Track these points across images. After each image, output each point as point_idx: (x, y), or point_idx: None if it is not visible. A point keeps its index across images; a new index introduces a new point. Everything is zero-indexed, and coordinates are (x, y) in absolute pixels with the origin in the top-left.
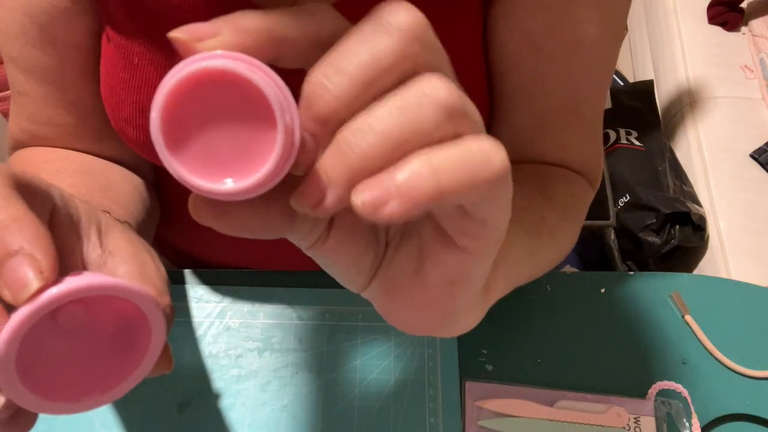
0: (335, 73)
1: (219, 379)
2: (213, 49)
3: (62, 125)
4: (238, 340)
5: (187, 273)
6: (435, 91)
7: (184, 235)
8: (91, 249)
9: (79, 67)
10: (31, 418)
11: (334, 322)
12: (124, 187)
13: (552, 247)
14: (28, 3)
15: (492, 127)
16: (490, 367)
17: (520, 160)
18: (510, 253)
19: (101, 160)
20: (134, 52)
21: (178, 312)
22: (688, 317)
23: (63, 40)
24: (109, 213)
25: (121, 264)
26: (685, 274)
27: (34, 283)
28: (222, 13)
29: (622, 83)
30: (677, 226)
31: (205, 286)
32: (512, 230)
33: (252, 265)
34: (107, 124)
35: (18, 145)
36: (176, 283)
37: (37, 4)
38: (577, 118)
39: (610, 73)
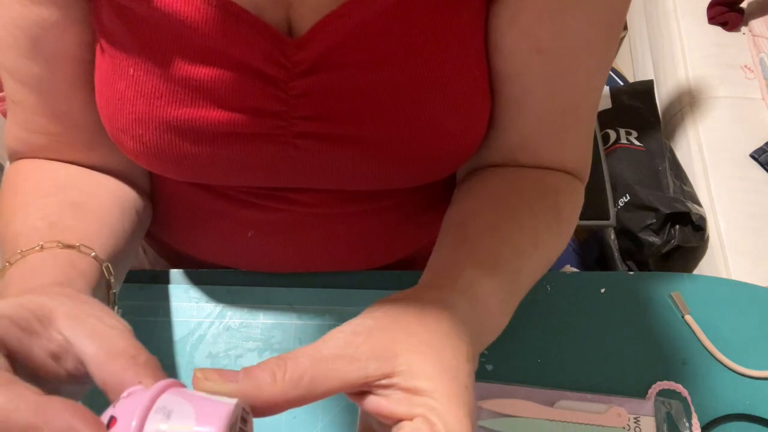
0: None
1: None
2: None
3: (54, 134)
4: (238, 340)
5: (187, 273)
6: None
7: (182, 238)
8: (47, 344)
9: (71, 78)
10: None
11: (334, 322)
12: (102, 199)
13: (553, 254)
14: (20, 15)
15: (496, 133)
16: (490, 367)
17: (522, 164)
18: (521, 282)
19: (83, 170)
20: (130, 62)
21: (178, 312)
22: (688, 317)
23: (54, 52)
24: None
25: (83, 348)
26: (685, 274)
27: None
28: (216, 23)
29: (622, 83)
30: (677, 226)
31: (206, 286)
32: (525, 259)
33: (251, 267)
34: (100, 132)
35: (15, 154)
36: (176, 283)
37: (29, 16)
38: (576, 118)
39: (607, 71)
